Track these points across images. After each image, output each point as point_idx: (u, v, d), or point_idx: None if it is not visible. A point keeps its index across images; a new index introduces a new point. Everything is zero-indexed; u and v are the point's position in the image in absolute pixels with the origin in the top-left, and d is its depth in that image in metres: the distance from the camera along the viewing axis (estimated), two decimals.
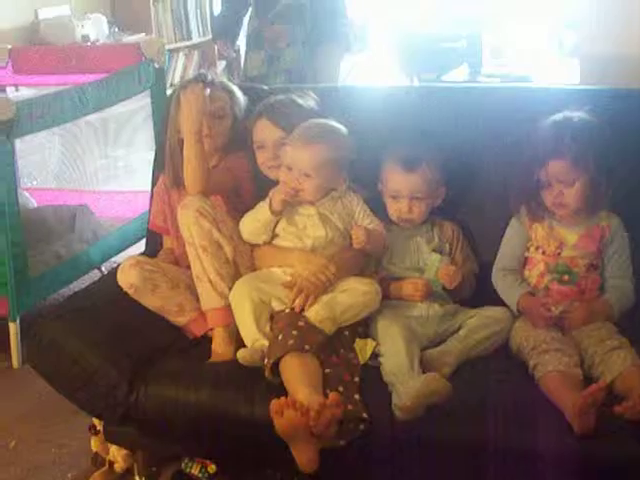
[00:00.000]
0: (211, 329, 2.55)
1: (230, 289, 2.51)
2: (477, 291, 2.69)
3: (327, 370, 2.31)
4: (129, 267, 2.58)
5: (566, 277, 2.52)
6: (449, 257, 2.68)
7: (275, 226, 2.61)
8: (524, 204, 2.60)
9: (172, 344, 2.58)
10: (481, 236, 2.77)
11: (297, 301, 2.45)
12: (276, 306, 2.49)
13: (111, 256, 4.15)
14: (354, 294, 2.47)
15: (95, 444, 2.80)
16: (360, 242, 2.53)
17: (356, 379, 2.32)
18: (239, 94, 2.90)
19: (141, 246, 3.30)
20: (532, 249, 2.60)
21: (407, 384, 2.20)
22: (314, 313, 2.40)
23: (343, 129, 2.65)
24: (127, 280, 2.57)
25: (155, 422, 2.44)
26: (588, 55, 3.51)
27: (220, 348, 2.50)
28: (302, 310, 2.44)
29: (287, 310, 2.45)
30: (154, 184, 3.04)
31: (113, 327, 2.55)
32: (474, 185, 2.80)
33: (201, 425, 2.40)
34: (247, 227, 2.61)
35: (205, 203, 2.54)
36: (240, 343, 2.47)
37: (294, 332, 2.33)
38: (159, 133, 3.19)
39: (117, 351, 2.48)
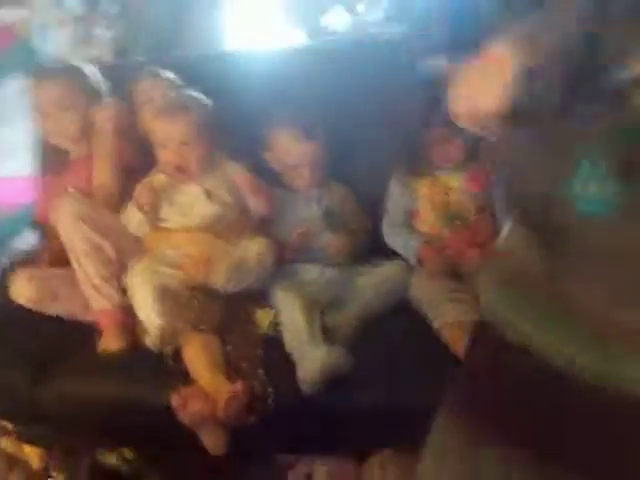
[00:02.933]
0: None
1: (116, 288, 2.42)
2: (371, 247, 2.63)
3: (228, 347, 2.23)
4: (24, 283, 2.44)
5: (458, 222, 2.48)
6: (339, 216, 2.62)
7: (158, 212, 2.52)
8: (402, 163, 2.54)
9: (74, 339, 2.44)
10: (369, 193, 2.70)
11: (188, 281, 2.37)
12: (173, 287, 2.38)
13: None
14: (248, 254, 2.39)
15: (8, 445, 2.69)
16: (250, 187, 2.51)
17: (259, 351, 2.24)
18: (91, 73, 2.75)
19: None
20: (418, 201, 2.54)
21: (309, 356, 2.14)
22: (219, 277, 2.32)
23: (200, 95, 2.57)
24: (25, 296, 2.44)
25: (64, 418, 2.33)
26: None
27: (110, 344, 2.39)
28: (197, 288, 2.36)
29: (180, 291, 2.35)
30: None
31: (8, 329, 2.45)
32: (358, 145, 2.73)
33: (111, 417, 2.29)
34: (127, 221, 2.52)
35: (80, 203, 2.43)
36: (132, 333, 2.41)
37: (190, 314, 2.25)
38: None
39: (15, 352, 2.38)
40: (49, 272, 2.53)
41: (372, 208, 2.66)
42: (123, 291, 2.44)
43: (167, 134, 2.45)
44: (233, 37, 5.01)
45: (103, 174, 2.57)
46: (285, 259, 2.50)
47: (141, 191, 2.45)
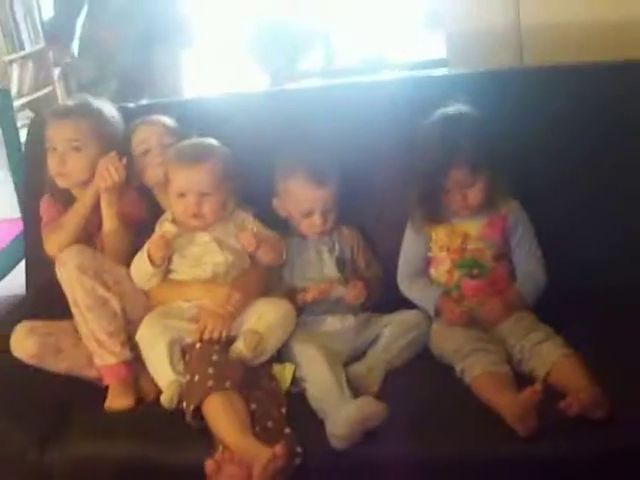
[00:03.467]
0: None
1: (121, 343, 2.31)
2: (386, 296, 2.54)
3: (252, 406, 2.11)
4: (24, 337, 2.30)
5: (475, 271, 2.40)
6: (351, 263, 2.54)
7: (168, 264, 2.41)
8: (419, 210, 2.44)
9: (81, 398, 2.32)
10: (382, 240, 2.62)
11: (206, 334, 2.26)
12: (188, 341, 2.28)
13: None
14: (270, 317, 2.29)
15: None
16: (250, 244, 2.38)
17: (283, 410, 2.14)
18: (111, 113, 2.62)
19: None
20: (435, 248, 2.46)
21: (340, 411, 2.03)
22: (242, 348, 2.21)
23: (216, 142, 2.47)
24: (26, 352, 2.30)
25: None
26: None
27: (114, 403, 2.28)
28: (215, 342, 2.25)
29: (198, 345, 2.24)
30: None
31: (13, 390, 2.31)
32: (370, 189, 2.64)
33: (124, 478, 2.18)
34: (135, 274, 2.40)
35: (84, 255, 2.32)
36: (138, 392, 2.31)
37: (210, 370, 2.13)
38: (18, 168, 2.90)
39: (22, 415, 2.25)
40: (51, 325, 2.39)
41: (385, 255, 2.58)
42: (129, 346, 2.33)
43: (187, 184, 2.36)
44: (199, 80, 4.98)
45: (111, 223, 2.45)
46: (298, 306, 2.41)
47: (156, 243, 2.34)
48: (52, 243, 2.47)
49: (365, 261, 2.56)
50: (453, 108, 2.40)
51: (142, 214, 2.55)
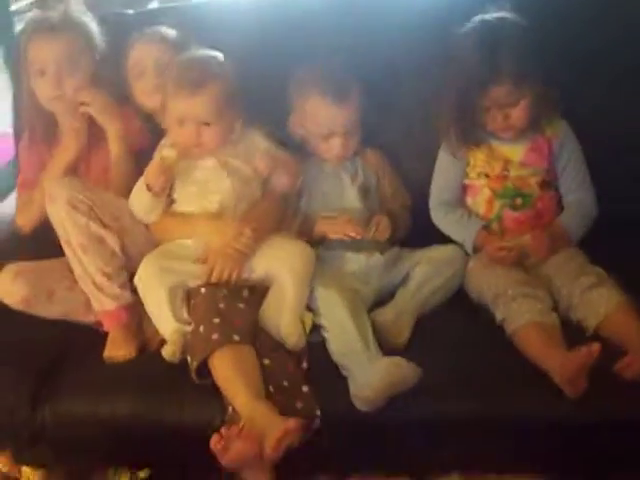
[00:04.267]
0: None
1: (122, 285, 2.04)
2: (415, 227, 2.25)
3: (266, 361, 1.85)
4: (12, 280, 2.03)
5: (519, 201, 2.11)
6: (376, 191, 2.24)
7: (169, 192, 2.11)
8: (455, 129, 2.12)
9: (77, 346, 2.06)
10: (410, 163, 2.31)
11: (213, 276, 2.00)
12: (193, 284, 2.01)
13: None
14: (292, 275, 1.98)
15: (3, 464, 2.31)
16: (265, 166, 2.09)
17: (303, 365, 1.88)
18: (94, 29, 2.27)
19: None
20: (472, 175, 2.16)
21: (365, 370, 1.78)
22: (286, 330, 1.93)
23: (221, 56, 2.13)
24: (15, 296, 2.03)
25: (69, 439, 1.97)
26: None
27: (116, 350, 2.02)
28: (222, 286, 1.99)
29: (203, 290, 1.97)
30: (17, 137, 2.46)
31: None
32: (397, 105, 2.31)
33: (122, 436, 1.93)
34: (135, 206, 2.10)
35: (76, 190, 2.01)
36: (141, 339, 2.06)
37: (216, 320, 1.86)
38: (12, 81, 2.58)
39: (10, 368, 1.99)
40: (42, 265, 2.12)
41: (414, 180, 2.28)
42: (130, 288, 2.07)
43: (186, 112, 2.04)
44: None
45: (118, 147, 2.19)
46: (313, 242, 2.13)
47: (154, 169, 2.04)
48: (25, 217, 2.26)
49: (391, 188, 2.26)
50: (492, 14, 2.07)
51: (145, 141, 2.25)
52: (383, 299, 2.05)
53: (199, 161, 2.10)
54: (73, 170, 2.23)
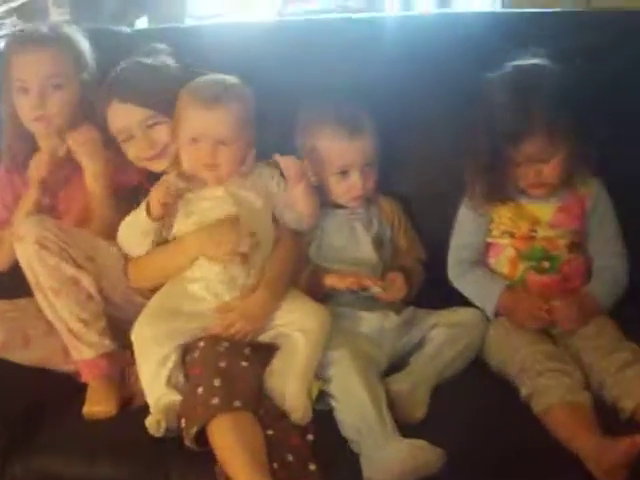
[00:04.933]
0: None
1: (99, 331, 1.85)
2: (430, 286, 2.05)
3: (269, 431, 1.64)
4: None
5: (546, 264, 1.93)
6: (390, 244, 2.06)
7: (166, 230, 1.91)
8: (481, 183, 1.94)
9: (54, 397, 1.85)
10: (426, 216, 2.14)
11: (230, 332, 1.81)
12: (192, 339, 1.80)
13: None
14: (306, 339, 1.78)
15: None
16: (297, 174, 1.89)
17: (308, 437, 1.67)
18: (85, 46, 2.08)
19: None
20: (496, 232, 1.98)
21: (383, 451, 1.58)
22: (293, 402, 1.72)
23: (237, 80, 1.94)
24: None
25: None
26: None
27: (96, 406, 1.81)
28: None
29: (202, 344, 1.76)
30: None
31: None
32: (415, 153, 2.13)
33: None
34: (125, 235, 1.91)
35: (45, 227, 1.81)
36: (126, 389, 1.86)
37: (216, 381, 1.65)
38: None
39: None
40: (18, 305, 1.92)
41: (431, 235, 2.09)
42: (109, 335, 1.87)
43: (202, 128, 1.84)
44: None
45: (102, 204, 2.01)
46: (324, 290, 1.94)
47: (157, 191, 1.83)
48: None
49: (406, 241, 2.08)
50: (526, 60, 1.90)
51: (132, 178, 2.07)
52: (396, 364, 1.86)
53: (206, 190, 1.90)
54: (49, 208, 2.03)
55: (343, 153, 1.96)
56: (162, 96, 1.94)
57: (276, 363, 1.77)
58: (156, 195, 1.82)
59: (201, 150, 1.85)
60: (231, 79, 1.93)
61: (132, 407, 1.82)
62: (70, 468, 1.72)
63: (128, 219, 1.89)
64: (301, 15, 3.73)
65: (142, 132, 1.97)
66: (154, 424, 1.68)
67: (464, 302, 1.98)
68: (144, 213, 1.84)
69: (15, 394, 1.83)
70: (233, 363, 1.71)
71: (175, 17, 4.11)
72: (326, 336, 1.79)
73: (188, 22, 4.09)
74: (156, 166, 2.00)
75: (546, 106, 1.81)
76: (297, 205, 1.91)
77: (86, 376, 1.84)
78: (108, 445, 1.73)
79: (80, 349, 1.83)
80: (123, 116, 1.98)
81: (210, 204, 1.89)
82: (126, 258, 1.94)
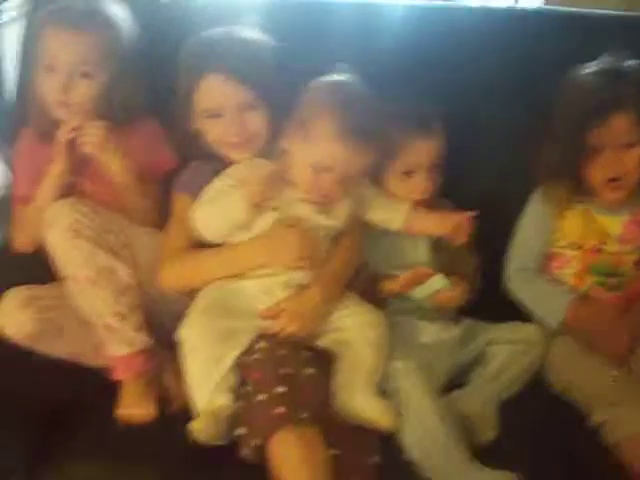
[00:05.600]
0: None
1: (136, 326, 1.69)
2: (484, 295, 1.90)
3: (333, 451, 1.49)
4: (19, 309, 1.64)
5: (614, 280, 1.82)
6: (446, 250, 1.92)
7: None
8: (552, 183, 1.84)
9: (87, 397, 1.68)
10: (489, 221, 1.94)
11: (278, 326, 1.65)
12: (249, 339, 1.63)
13: None
14: (370, 345, 1.66)
15: None
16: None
17: (374, 459, 1.53)
18: (124, 25, 1.88)
19: None
20: (562, 242, 1.87)
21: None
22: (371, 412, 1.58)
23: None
24: (19, 330, 1.65)
25: None
26: None
27: (133, 407, 1.66)
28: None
29: (261, 345, 1.60)
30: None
31: None
32: (472, 158, 2.00)
33: None
34: (210, 225, 1.71)
35: (78, 212, 1.65)
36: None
37: (280, 388, 1.50)
38: (18, 70, 2.15)
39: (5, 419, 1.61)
40: (52, 291, 1.72)
41: (487, 241, 1.94)
42: (146, 329, 1.71)
43: (341, 161, 1.66)
44: None
45: (121, 178, 1.83)
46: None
47: (260, 178, 1.65)
48: (22, 237, 1.89)
49: (464, 248, 1.91)
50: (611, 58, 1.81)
51: (166, 161, 1.92)
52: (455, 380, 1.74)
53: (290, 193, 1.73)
54: (74, 186, 1.85)
55: (410, 153, 1.82)
56: (264, 77, 1.75)
57: (341, 376, 1.62)
58: (260, 181, 1.64)
59: (323, 180, 1.68)
60: (357, 89, 1.73)
61: (168, 411, 1.67)
62: (105, 477, 1.57)
63: (216, 209, 1.69)
64: None
65: (235, 114, 1.76)
66: (201, 429, 1.53)
67: (517, 313, 1.87)
68: (243, 205, 1.64)
69: (39, 393, 1.66)
70: (297, 369, 1.56)
71: None
72: (387, 342, 1.67)
73: None
74: (237, 154, 1.80)
75: (635, 85, 1.74)
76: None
77: (120, 374, 1.69)
78: (148, 452, 1.58)
79: (115, 344, 1.67)
80: (221, 93, 1.76)
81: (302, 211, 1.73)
82: (160, 257, 1.77)
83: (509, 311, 1.87)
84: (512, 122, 1.99)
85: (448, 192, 1.93)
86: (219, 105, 1.77)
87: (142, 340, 1.70)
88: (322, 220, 1.73)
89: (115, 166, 1.81)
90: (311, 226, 1.71)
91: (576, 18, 2.11)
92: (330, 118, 1.64)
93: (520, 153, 1.91)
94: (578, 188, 1.83)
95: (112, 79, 1.84)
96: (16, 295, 1.67)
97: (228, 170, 1.77)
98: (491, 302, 1.88)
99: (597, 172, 1.79)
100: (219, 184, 1.73)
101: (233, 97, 1.75)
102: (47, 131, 1.88)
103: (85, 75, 1.81)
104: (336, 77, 1.72)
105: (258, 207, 1.66)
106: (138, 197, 1.84)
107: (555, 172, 1.83)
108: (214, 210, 1.69)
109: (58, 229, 1.63)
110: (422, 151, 1.82)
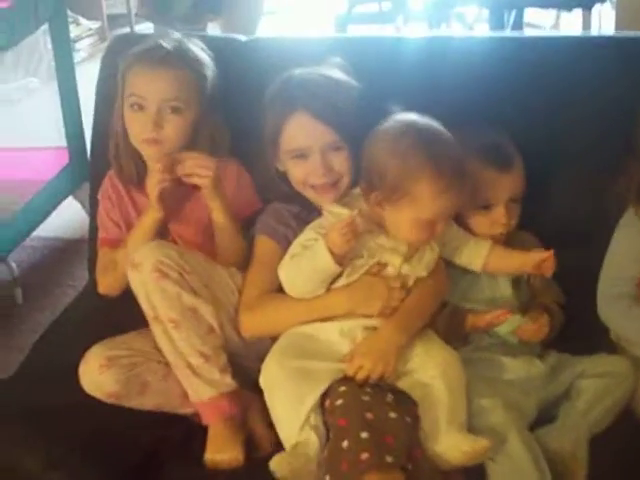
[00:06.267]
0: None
1: (221, 368, 1.69)
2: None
3: None
4: (99, 371, 1.64)
5: None
6: (526, 283, 1.89)
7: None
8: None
9: (167, 439, 1.69)
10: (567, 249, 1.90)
11: (359, 375, 1.61)
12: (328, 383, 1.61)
13: (19, 242, 3.12)
14: (448, 385, 1.62)
15: None
16: None
17: None
18: (209, 65, 1.92)
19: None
20: None
21: None
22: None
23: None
24: (102, 390, 1.65)
25: None
26: None
27: (220, 452, 1.65)
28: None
29: (343, 389, 1.58)
30: (95, 183, 2.07)
31: (76, 428, 1.64)
32: (556, 178, 1.97)
33: None
34: (296, 282, 1.70)
35: (164, 253, 1.66)
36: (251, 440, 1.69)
37: (364, 434, 1.48)
38: (96, 111, 2.19)
39: (89, 469, 1.60)
40: (133, 344, 1.73)
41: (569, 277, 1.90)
42: (231, 371, 1.71)
43: (438, 215, 1.66)
44: None
45: (220, 217, 1.83)
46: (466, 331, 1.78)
47: (338, 230, 1.60)
48: (108, 281, 1.92)
49: (544, 282, 1.89)
50: None
51: (255, 206, 1.93)
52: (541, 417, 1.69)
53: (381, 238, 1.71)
54: (162, 229, 1.87)
55: (489, 187, 1.80)
56: (348, 118, 1.74)
57: (425, 422, 1.59)
58: (337, 232, 1.60)
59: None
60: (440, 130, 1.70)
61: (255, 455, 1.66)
62: None
63: (301, 265, 1.67)
64: None
65: (321, 155, 1.76)
66: (283, 465, 1.51)
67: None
68: (326, 254, 1.62)
69: (129, 443, 1.66)
70: (381, 414, 1.53)
71: (252, 19, 3.96)
72: (464, 381, 1.63)
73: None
74: (322, 197, 1.79)
75: None
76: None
77: (207, 419, 1.68)
78: None
79: (200, 388, 1.67)
80: (307, 132, 1.76)
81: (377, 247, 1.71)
82: (239, 301, 1.78)
83: (596, 342, 1.83)
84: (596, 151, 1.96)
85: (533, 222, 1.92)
86: (305, 146, 1.76)
87: (227, 382, 1.69)
88: (409, 270, 1.70)
89: (219, 204, 1.81)
90: (399, 275, 1.70)
91: None
92: (429, 175, 1.61)
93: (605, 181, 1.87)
94: None
95: (200, 116, 1.87)
96: (97, 356, 1.66)
97: (313, 223, 1.75)
98: (578, 334, 1.85)
99: None
100: (303, 238, 1.72)
101: (319, 138, 1.75)
102: (132, 174, 1.92)
103: (175, 110, 1.83)
104: (409, 118, 1.70)
105: (344, 258, 1.64)
106: (234, 237, 1.83)
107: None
108: (299, 267, 1.68)
109: (144, 271, 1.65)
110: (501, 185, 1.80)
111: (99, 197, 2.00)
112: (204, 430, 1.69)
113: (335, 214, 1.71)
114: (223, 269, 1.81)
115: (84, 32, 5.49)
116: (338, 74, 1.82)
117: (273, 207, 1.85)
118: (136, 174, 1.93)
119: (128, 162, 1.92)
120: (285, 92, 1.79)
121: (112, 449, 1.63)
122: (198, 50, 1.91)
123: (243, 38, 2.15)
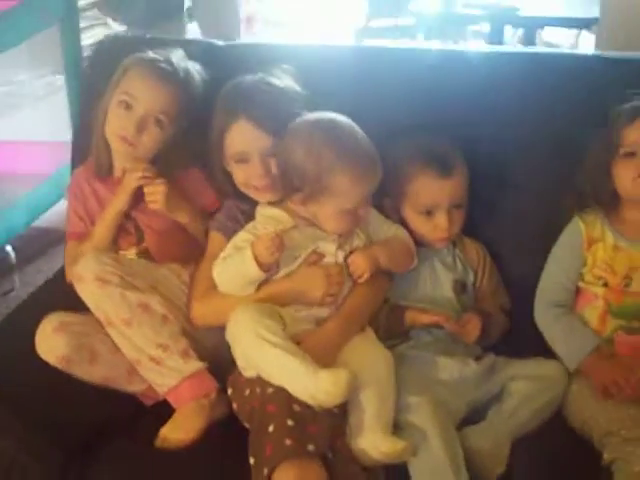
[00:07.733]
0: None
1: (181, 352, 1.74)
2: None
3: None
4: (52, 333, 1.71)
5: (636, 323, 1.78)
6: (472, 289, 1.94)
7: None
8: (585, 213, 1.85)
9: (115, 417, 1.76)
10: (512, 264, 2.01)
11: None
12: None
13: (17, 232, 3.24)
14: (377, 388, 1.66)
15: None
16: (362, 272, 1.76)
17: None
18: (201, 89, 1.98)
19: None
20: (588, 277, 1.83)
21: None
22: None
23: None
24: (54, 353, 1.71)
25: None
26: None
27: (172, 431, 1.70)
28: None
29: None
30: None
31: (30, 402, 1.70)
32: (504, 187, 2.02)
33: None
34: (226, 282, 1.77)
35: (101, 261, 1.74)
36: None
37: (289, 422, 1.54)
38: (79, 105, 2.27)
39: (39, 437, 1.66)
40: (87, 319, 1.79)
41: (515, 281, 1.97)
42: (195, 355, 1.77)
43: (355, 204, 1.74)
44: None
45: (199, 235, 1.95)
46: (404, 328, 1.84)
47: (264, 243, 1.69)
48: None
49: (491, 288, 1.95)
50: None
51: (210, 203, 2.00)
52: (472, 413, 1.74)
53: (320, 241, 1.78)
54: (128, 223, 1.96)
55: (430, 192, 1.86)
56: (287, 126, 1.80)
57: (351, 416, 1.64)
58: (263, 243, 1.68)
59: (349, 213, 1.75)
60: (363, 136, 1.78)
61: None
62: None
63: (231, 267, 1.75)
64: None
65: (260, 159, 1.83)
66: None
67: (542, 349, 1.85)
68: (254, 266, 1.69)
69: (78, 418, 1.73)
70: (308, 406, 1.58)
71: (228, 22, 4.02)
72: (394, 382, 1.68)
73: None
74: (263, 196, 1.87)
75: None
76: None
77: (176, 404, 1.74)
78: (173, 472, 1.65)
79: (165, 378, 1.73)
80: (246, 138, 1.84)
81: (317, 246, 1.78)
82: (189, 294, 1.86)
83: (542, 348, 1.86)
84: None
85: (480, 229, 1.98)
86: (246, 151, 1.84)
87: (191, 364, 1.74)
88: (344, 256, 1.77)
89: (178, 213, 1.92)
90: (336, 263, 1.76)
91: None
92: (344, 167, 1.69)
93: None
94: (610, 219, 1.83)
95: (178, 134, 1.94)
96: (52, 320, 1.74)
97: (248, 225, 1.82)
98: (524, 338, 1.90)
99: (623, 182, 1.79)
100: (237, 239, 1.79)
101: (259, 144, 1.82)
102: (104, 168, 1.99)
103: (158, 123, 1.90)
104: (314, 117, 1.79)
105: (270, 265, 1.71)
106: (202, 232, 1.93)
107: (587, 201, 1.84)
108: (228, 269, 1.76)
109: (86, 282, 1.72)
110: (441, 190, 1.86)
111: (71, 184, 2.07)
112: (150, 410, 1.76)
113: (264, 215, 1.80)
114: (166, 269, 1.90)
115: None
116: (286, 81, 1.89)
117: (227, 204, 1.92)
118: (109, 168, 2.00)
119: (103, 155, 1.99)
120: (229, 99, 1.87)
121: (62, 422, 1.69)
122: (196, 74, 1.98)
123: (220, 42, 2.22)
